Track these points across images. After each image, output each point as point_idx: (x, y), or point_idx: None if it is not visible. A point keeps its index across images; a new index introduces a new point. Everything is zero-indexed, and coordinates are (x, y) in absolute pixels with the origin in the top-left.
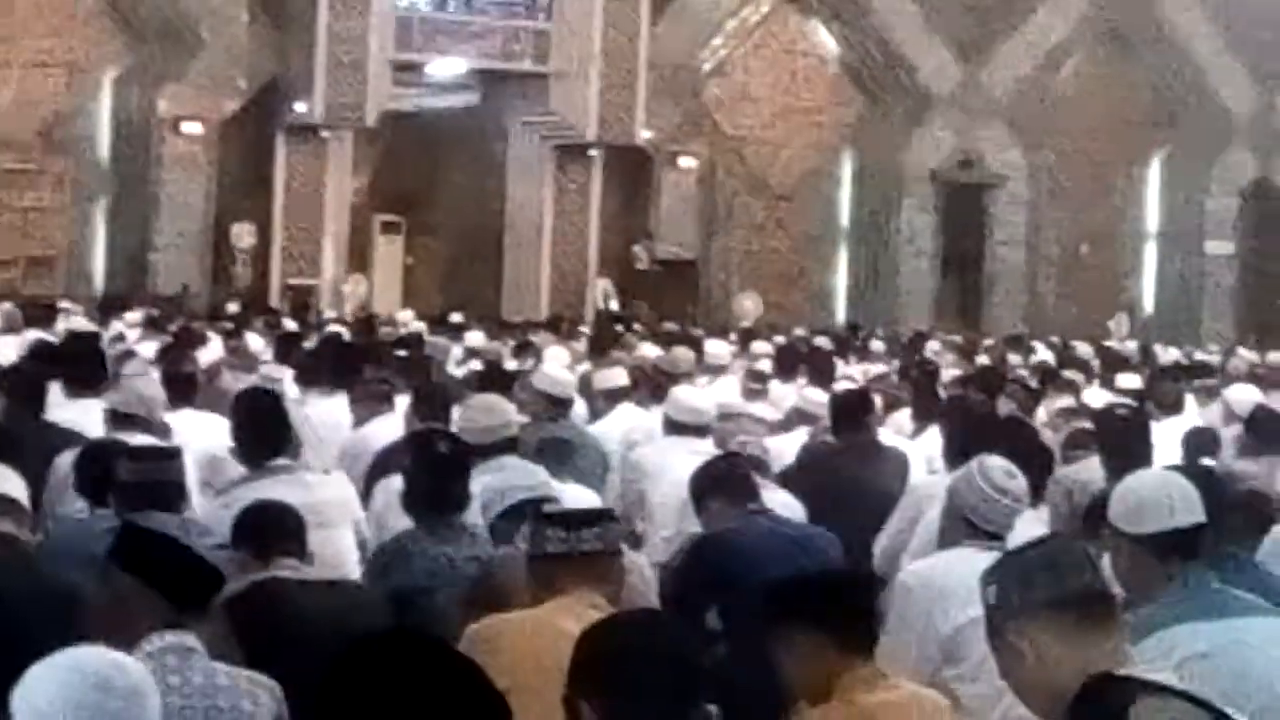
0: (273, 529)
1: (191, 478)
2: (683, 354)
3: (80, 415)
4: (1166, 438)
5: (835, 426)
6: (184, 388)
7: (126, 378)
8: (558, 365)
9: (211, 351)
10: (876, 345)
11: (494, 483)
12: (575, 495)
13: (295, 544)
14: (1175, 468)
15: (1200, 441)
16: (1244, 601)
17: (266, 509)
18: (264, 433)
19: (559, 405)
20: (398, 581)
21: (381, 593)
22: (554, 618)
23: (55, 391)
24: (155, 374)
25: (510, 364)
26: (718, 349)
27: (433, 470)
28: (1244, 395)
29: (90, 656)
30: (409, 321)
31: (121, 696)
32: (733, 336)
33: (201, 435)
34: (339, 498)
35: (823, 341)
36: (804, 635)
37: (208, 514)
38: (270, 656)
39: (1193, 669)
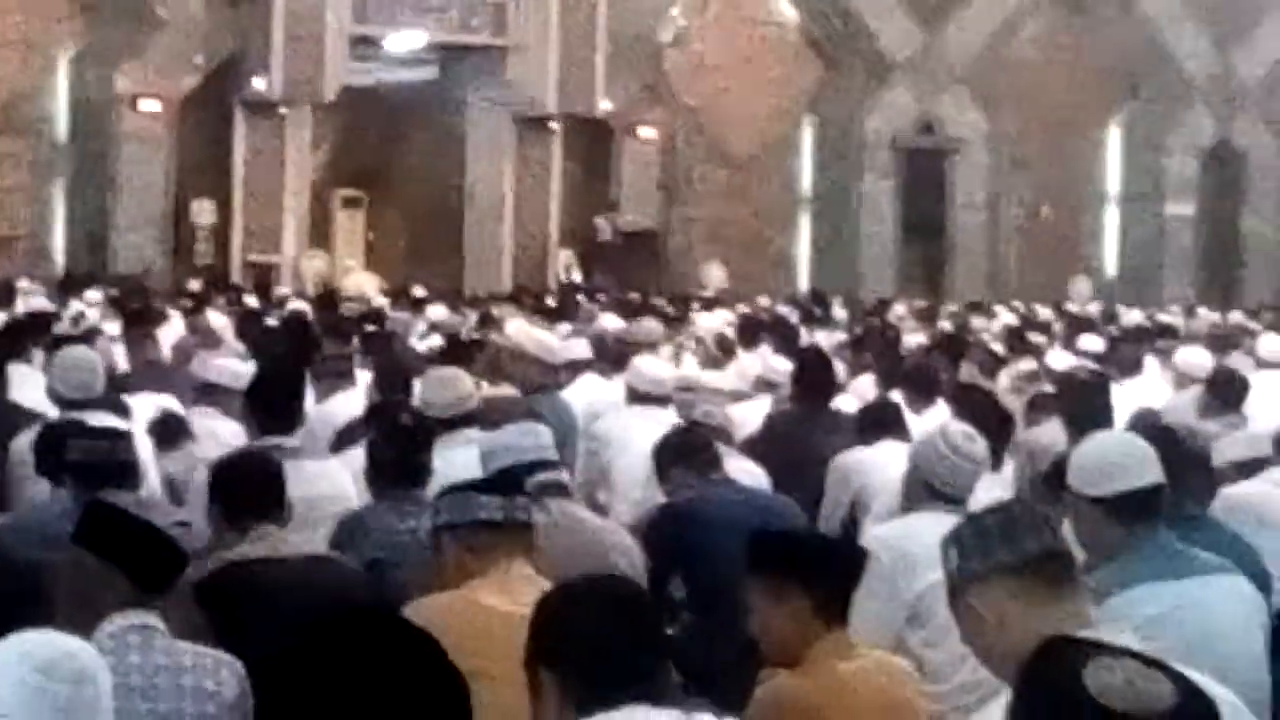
0: (249, 492)
1: (150, 459)
2: (649, 325)
3: (41, 395)
4: (1127, 400)
5: (797, 394)
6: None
7: (60, 362)
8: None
9: (173, 330)
10: (839, 313)
11: (501, 439)
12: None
13: (274, 506)
14: (1135, 429)
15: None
16: (1204, 561)
17: (241, 467)
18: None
19: (550, 373)
20: (359, 555)
21: (359, 568)
22: (481, 595)
23: (20, 371)
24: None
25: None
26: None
27: (394, 444)
28: (1194, 358)
29: (36, 642)
30: (371, 296)
31: (67, 681)
32: (696, 305)
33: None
34: (335, 493)
35: (785, 310)
36: (789, 594)
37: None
38: (243, 640)
39: (1153, 629)
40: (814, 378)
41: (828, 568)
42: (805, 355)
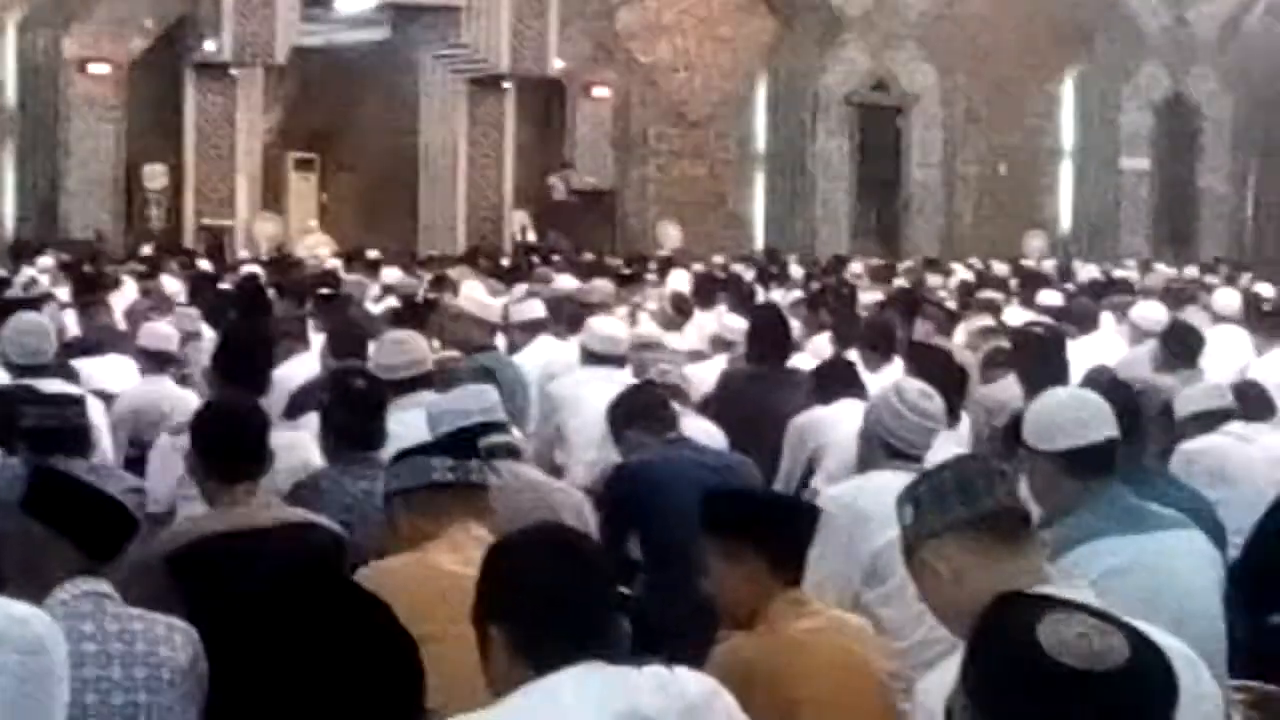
0: (232, 449)
1: (103, 425)
2: (601, 285)
3: None
4: (1082, 355)
5: (752, 353)
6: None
7: (10, 328)
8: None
9: (126, 295)
10: (795, 270)
11: (447, 402)
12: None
13: (255, 463)
14: (1089, 383)
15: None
16: (1159, 516)
17: (223, 420)
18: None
19: (489, 334)
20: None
21: (331, 530)
22: (435, 559)
23: None
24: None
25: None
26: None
27: (349, 407)
28: (1150, 313)
29: None
30: (325, 259)
31: (19, 650)
32: (651, 265)
33: (120, 382)
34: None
35: (741, 269)
36: (744, 553)
37: (163, 445)
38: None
39: (1110, 584)
40: (769, 336)
41: (782, 527)
42: (760, 314)
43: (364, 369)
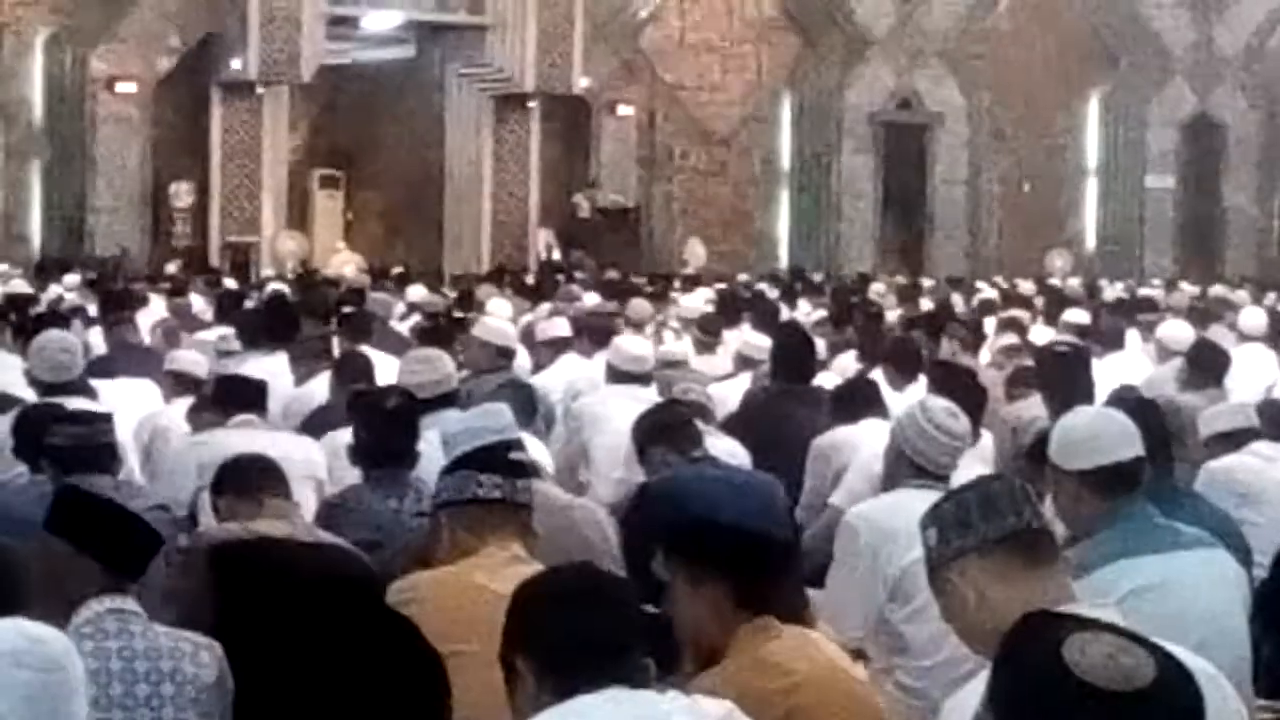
0: (257, 473)
1: (129, 445)
2: (639, 304)
3: (17, 378)
4: (1108, 374)
5: (776, 372)
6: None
7: (38, 345)
8: (500, 317)
9: (153, 313)
10: (819, 289)
11: (462, 423)
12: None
13: (281, 487)
14: (1115, 402)
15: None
16: (1186, 535)
17: (251, 458)
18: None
19: (502, 356)
20: (343, 536)
21: (361, 556)
22: (473, 575)
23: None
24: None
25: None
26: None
27: (380, 425)
28: (1176, 332)
29: (4, 630)
30: (351, 277)
31: (35, 669)
32: (677, 284)
33: (141, 403)
34: (300, 455)
35: (765, 287)
36: (710, 580)
37: (178, 453)
38: (246, 614)
39: (1136, 603)
40: (793, 355)
41: (750, 558)
42: (784, 332)
43: (399, 387)
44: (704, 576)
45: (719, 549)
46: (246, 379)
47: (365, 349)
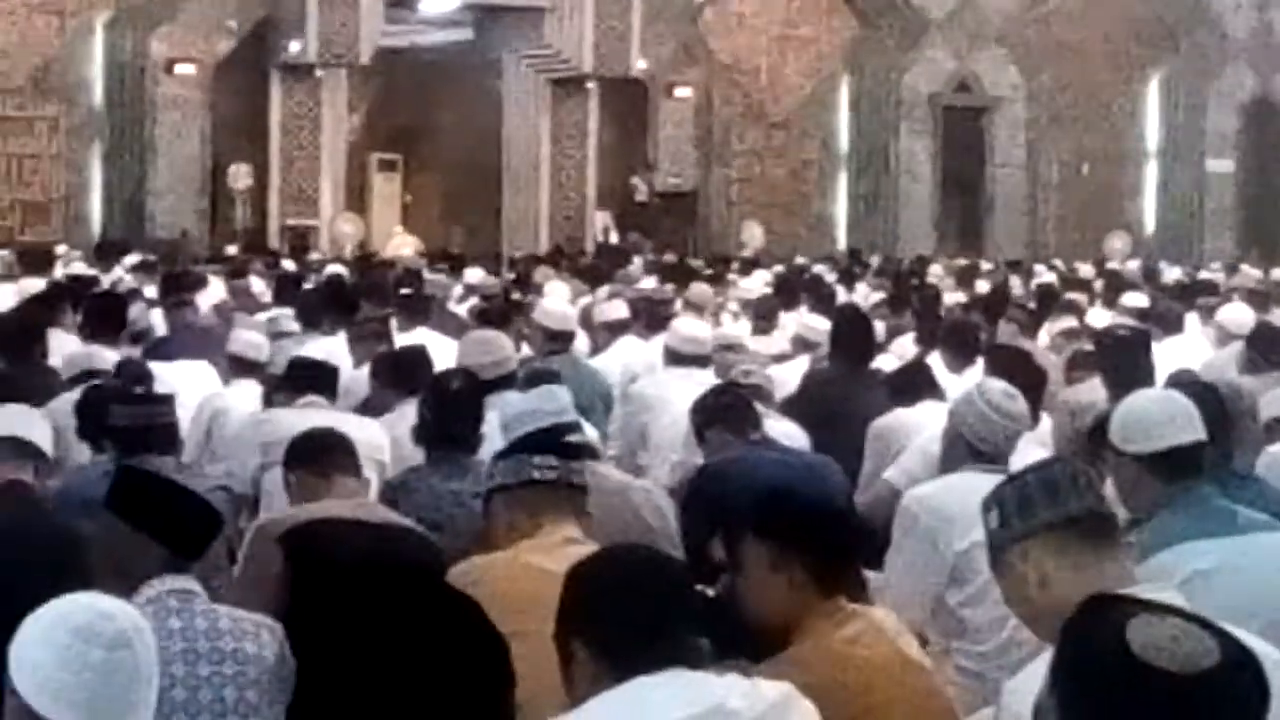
0: (332, 449)
1: (187, 427)
2: (701, 289)
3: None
4: (1167, 357)
5: (835, 354)
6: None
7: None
8: (558, 299)
9: (213, 295)
10: (877, 272)
11: (518, 405)
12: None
13: (353, 465)
14: (1174, 385)
15: None
16: (1247, 517)
17: (325, 432)
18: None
19: (559, 339)
20: (404, 517)
21: (428, 537)
22: (530, 556)
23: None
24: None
25: (512, 298)
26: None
27: (445, 407)
28: (1237, 315)
29: (75, 606)
30: (409, 259)
31: (105, 645)
32: (734, 267)
33: (200, 385)
34: (363, 437)
35: (822, 269)
36: (792, 562)
37: (240, 432)
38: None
39: (1197, 586)
40: (852, 337)
41: (835, 538)
42: (843, 315)
43: (464, 369)
44: (784, 556)
45: (804, 528)
46: (320, 362)
47: (423, 330)
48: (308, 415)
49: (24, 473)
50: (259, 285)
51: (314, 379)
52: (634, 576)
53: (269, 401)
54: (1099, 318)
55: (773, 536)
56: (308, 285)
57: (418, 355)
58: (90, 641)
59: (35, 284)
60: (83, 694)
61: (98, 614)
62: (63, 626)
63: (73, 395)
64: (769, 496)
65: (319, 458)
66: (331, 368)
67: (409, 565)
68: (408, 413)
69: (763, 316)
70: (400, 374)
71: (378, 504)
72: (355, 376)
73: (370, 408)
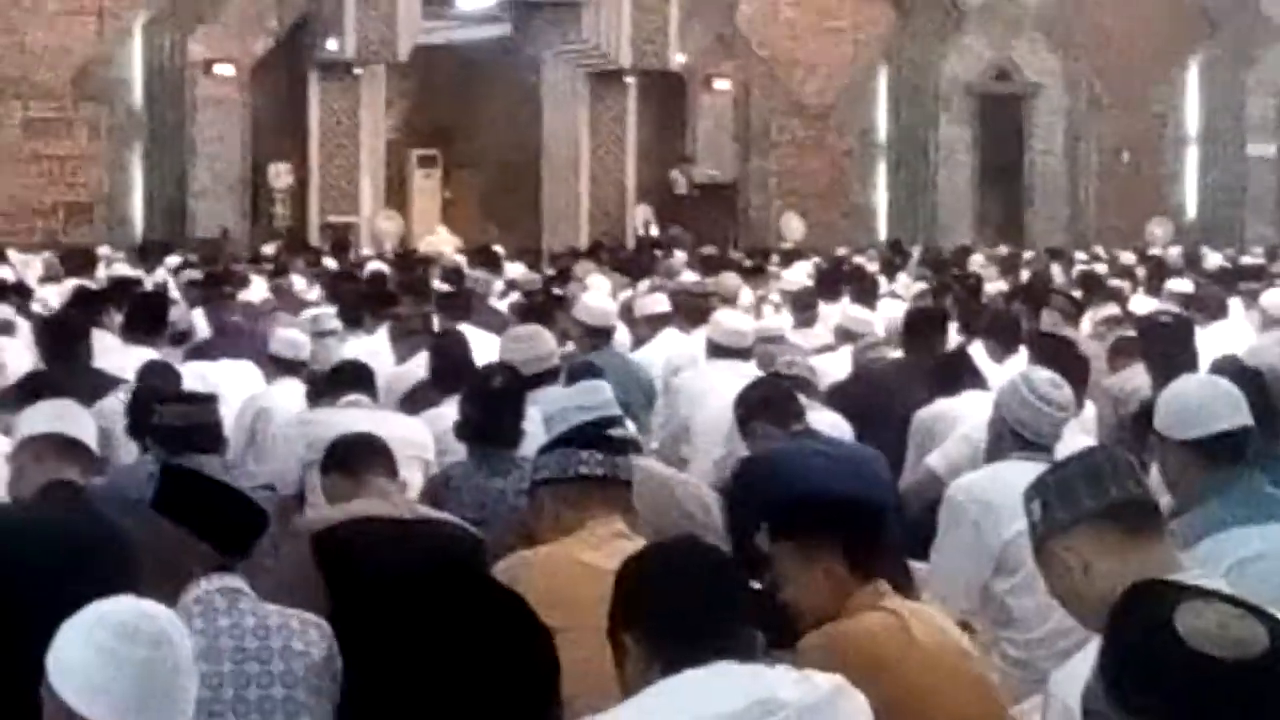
0: (365, 452)
1: (230, 426)
2: (729, 279)
3: (132, 362)
4: (1211, 343)
5: (907, 344)
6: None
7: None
8: (599, 294)
9: (255, 293)
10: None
11: (561, 400)
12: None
13: (387, 467)
14: (1218, 371)
15: None
16: None
17: (358, 436)
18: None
19: (600, 334)
20: (447, 513)
21: (471, 530)
22: (576, 551)
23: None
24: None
25: (553, 293)
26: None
27: (487, 404)
28: (1279, 300)
29: (115, 606)
30: (450, 256)
31: (146, 645)
32: (775, 259)
33: (243, 385)
34: (407, 435)
35: (863, 260)
36: (820, 553)
37: (286, 431)
38: (354, 595)
39: (1244, 573)
40: (924, 328)
41: (854, 523)
42: (922, 314)
43: (506, 365)
44: (814, 549)
45: (825, 519)
46: (356, 363)
47: (465, 326)
48: (350, 414)
49: (70, 471)
50: (300, 283)
51: (356, 379)
52: (684, 569)
53: (312, 400)
54: (1142, 304)
55: (797, 533)
56: (349, 283)
57: (461, 349)
58: (133, 640)
59: (78, 285)
60: (127, 693)
61: (139, 615)
62: (103, 627)
63: (123, 395)
64: (787, 497)
65: (349, 461)
66: (366, 367)
67: (449, 560)
68: (451, 410)
69: (804, 308)
70: (446, 370)
71: (410, 501)
72: (397, 374)
73: (414, 403)
